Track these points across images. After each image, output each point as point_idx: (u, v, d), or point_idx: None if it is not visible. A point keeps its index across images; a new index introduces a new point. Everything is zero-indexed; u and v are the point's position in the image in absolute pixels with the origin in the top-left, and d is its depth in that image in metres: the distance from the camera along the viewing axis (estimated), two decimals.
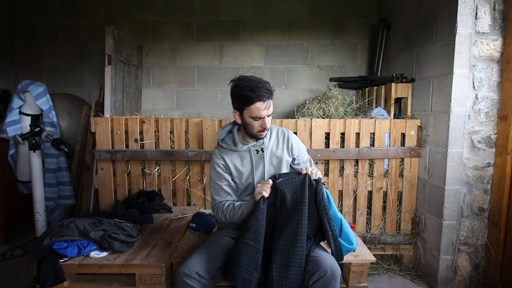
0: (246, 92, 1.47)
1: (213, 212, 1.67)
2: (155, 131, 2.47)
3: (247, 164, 1.63)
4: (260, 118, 1.51)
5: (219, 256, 1.51)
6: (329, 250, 1.52)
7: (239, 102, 1.52)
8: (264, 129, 1.54)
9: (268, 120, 1.53)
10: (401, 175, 2.49)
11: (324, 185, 1.55)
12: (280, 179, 1.50)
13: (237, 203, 1.60)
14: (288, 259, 1.40)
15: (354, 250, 1.59)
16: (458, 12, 2.00)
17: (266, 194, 1.47)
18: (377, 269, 2.43)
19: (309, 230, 1.46)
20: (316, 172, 1.51)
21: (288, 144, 1.67)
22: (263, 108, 1.48)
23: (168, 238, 1.95)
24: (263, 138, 1.61)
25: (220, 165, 1.63)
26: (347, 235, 1.53)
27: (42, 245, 1.67)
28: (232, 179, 1.65)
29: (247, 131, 1.59)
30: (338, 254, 1.45)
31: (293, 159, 1.68)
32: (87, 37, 3.48)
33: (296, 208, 1.45)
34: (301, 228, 1.41)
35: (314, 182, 1.48)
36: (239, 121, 1.59)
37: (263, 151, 1.63)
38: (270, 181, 1.50)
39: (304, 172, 1.50)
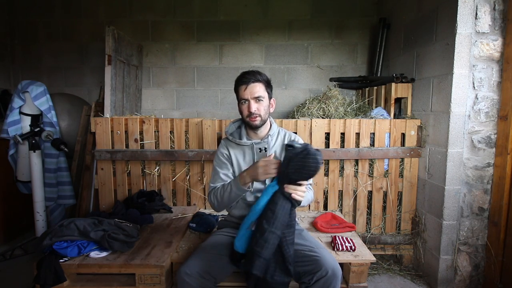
0: (236, 79, 1.63)
1: (208, 199, 1.67)
2: (155, 131, 2.47)
3: (248, 160, 1.65)
4: (244, 100, 1.58)
5: (219, 256, 1.51)
6: (327, 250, 1.52)
7: (234, 91, 1.65)
8: (250, 113, 1.57)
9: (253, 105, 1.56)
10: (401, 175, 2.49)
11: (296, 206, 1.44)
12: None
13: (226, 182, 1.62)
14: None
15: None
16: (458, 12, 2.00)
17: (274, 174, 1.44)
18: (377, 269, 2.43)
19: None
20: (297, 193, 1.40)
21: None
22: (244, 89, 1.57)
23: (168, 238, 1.94)
24: (257, 127, 1.60)
25: (224, 154, 1.69)
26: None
27: (42, 245, 1.67)
28: (233, 172, 1.68)
29: (243, 120, 1.65)
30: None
31: None
32: (87, 37, 3.48)
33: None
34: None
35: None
36: (240, 112, 1.66)
37: (266, 151, 1.63)
38: (275, 161, 1.43)
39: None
